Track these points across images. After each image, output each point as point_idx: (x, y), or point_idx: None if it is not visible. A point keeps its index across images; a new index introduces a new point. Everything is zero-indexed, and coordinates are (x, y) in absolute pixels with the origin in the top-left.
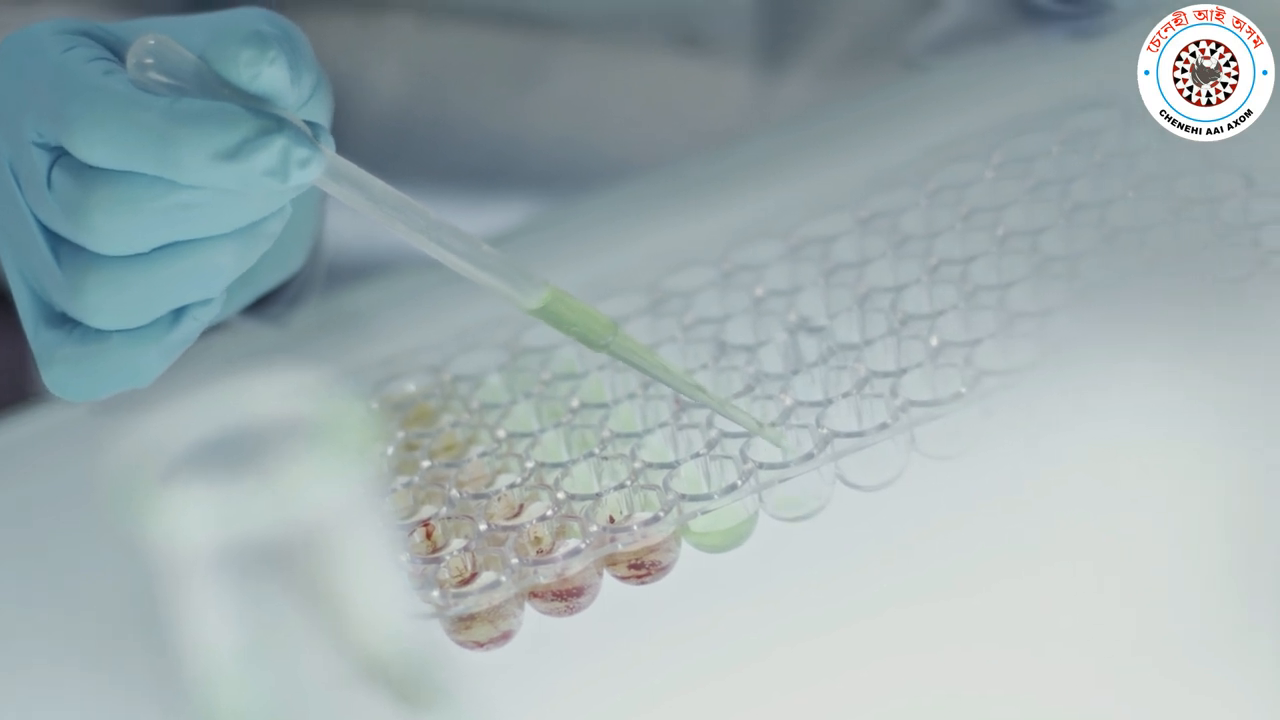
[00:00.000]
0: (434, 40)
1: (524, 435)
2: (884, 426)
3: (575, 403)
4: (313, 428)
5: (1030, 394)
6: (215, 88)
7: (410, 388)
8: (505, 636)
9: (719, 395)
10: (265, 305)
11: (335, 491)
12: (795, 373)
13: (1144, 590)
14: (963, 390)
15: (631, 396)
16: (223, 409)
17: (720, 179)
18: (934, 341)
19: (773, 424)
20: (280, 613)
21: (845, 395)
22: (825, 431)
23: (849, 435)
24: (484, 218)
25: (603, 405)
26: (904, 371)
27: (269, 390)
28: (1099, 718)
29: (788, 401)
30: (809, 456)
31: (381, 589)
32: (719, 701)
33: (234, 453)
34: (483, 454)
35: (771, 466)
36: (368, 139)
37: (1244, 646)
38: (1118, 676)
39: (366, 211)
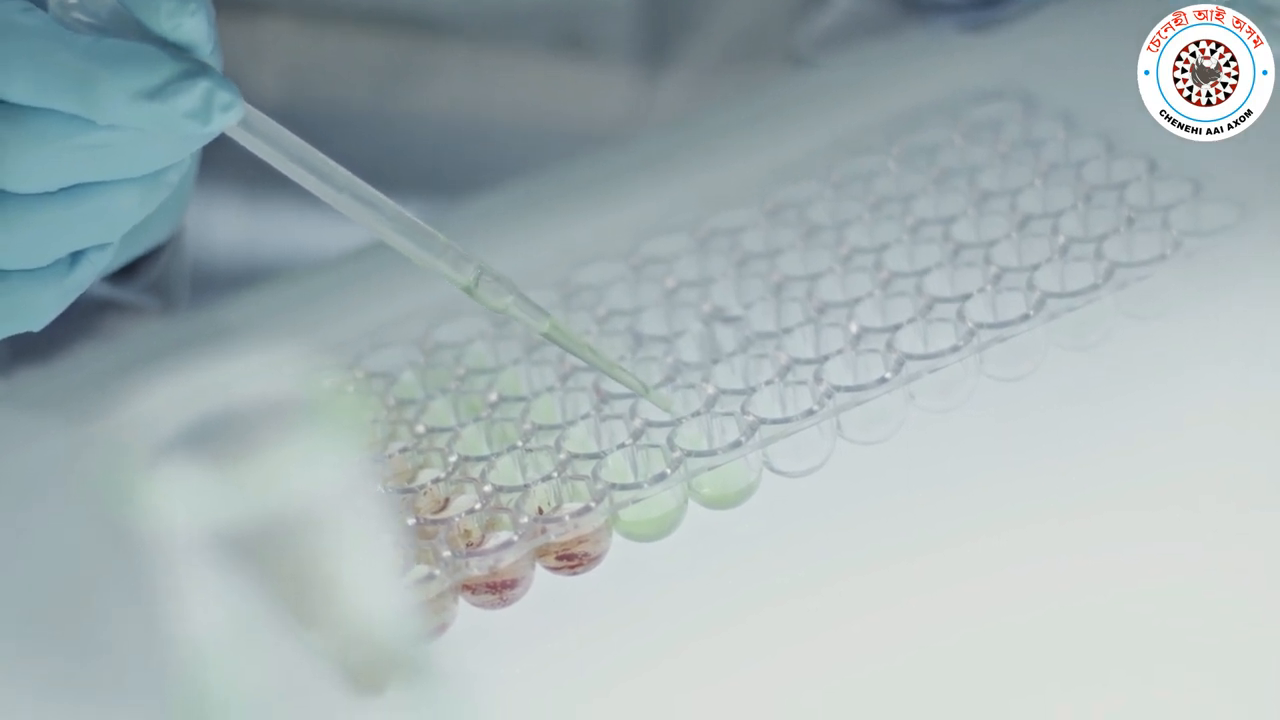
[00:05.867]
0: (312, 43)
1: (444, 430)
2: (810, 413)
3: (493, 396)
4: (303, 409)
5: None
6: (134, 34)
7: (326, 384)
8: (440, 629)
9: (606, 357)
10: (139, 271)
11: (326, 473)
12: (715, 362)
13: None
14: (887, 375)
15: (550, 389)
16: (211, 390)
17: (613, 177)
18: (853, 328)
19: (657, 386)
20: (267, 597)
21: (768, 383)
22: (752, 419)
23: (776, 422)
24: None
25: (521, 399)
26: (826, 358)
27: (256, 371)
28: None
29: (710, 390)
30: (736, 444)
31: (372, 571)
32: (657, 687)
33: (223, 435)
34: (403, 449)
35: (699, 455)
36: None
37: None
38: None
39: (278, 165)
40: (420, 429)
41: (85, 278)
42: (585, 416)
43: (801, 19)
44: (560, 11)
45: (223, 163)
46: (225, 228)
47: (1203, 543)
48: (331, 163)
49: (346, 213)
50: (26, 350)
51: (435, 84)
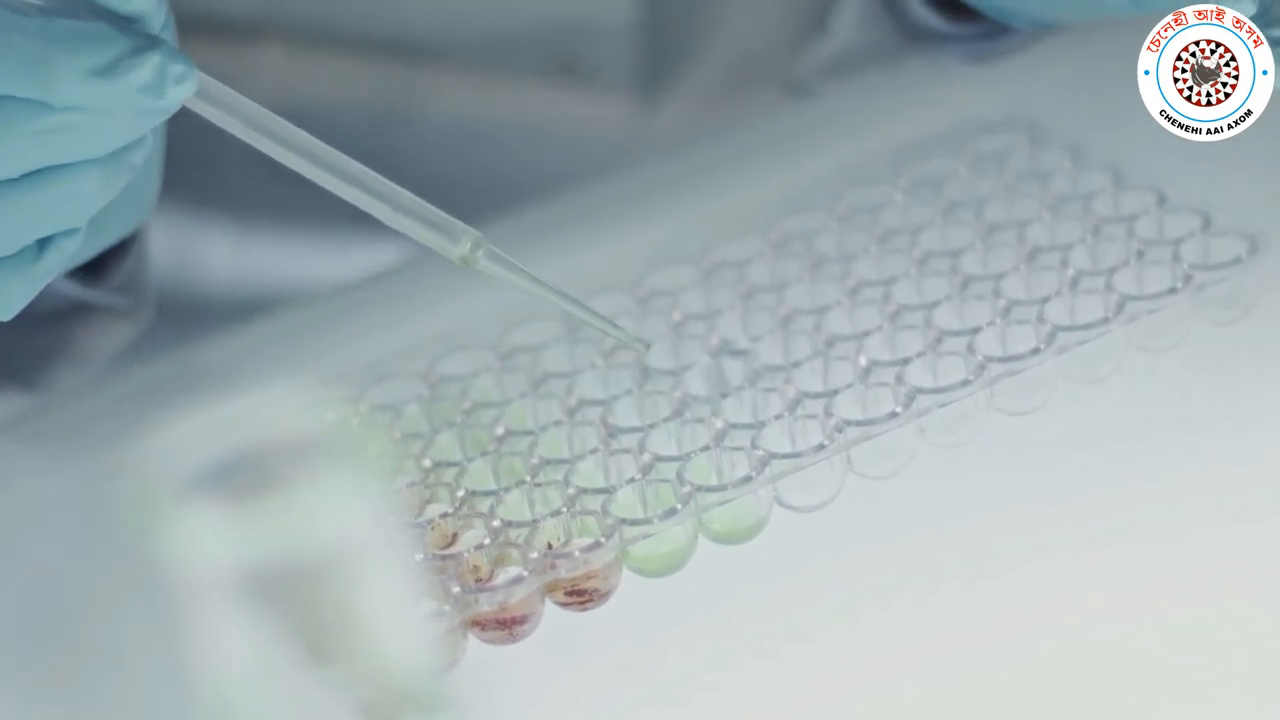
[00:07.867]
0: (306, 71)
1: (451, 464)
2: (820, 447)
3: (500, 430)
4: (316, 445)
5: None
6: (83, 10)
7: (330, 418)
8: (450, 665)
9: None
10: (108, 270)
11: (342, 510)
12: (724, 396)
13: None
14: (897, 409)
15: (558, 424)
16: (219, 427)
17: (612, 206)
18: (862, 362)
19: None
20: (283, 633)
21: (778, 417)
22: (762, 453)
23: (786, 456)
24: (363, 250)
25: (529, 433)
26: (835, 392)
27: (262, 406)
28: None
29: (719, 424)
30: (746, 479)
31: (388, 607)
32: None
33: (235, 471)
34: (410, 484)
35: (709, 490)
36: (238, 169)
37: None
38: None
39: (237, 132)
40: (427, 463)
41: (54, 265)
42: (594, 451)
43: (802, 48)
44: (555, 38)
45: (219, 194)
46: (222, 260)
47: (1213, 577)
48: (293, 128)
49: (312, 178)
50: (5, 369)
51: (430, 112)
